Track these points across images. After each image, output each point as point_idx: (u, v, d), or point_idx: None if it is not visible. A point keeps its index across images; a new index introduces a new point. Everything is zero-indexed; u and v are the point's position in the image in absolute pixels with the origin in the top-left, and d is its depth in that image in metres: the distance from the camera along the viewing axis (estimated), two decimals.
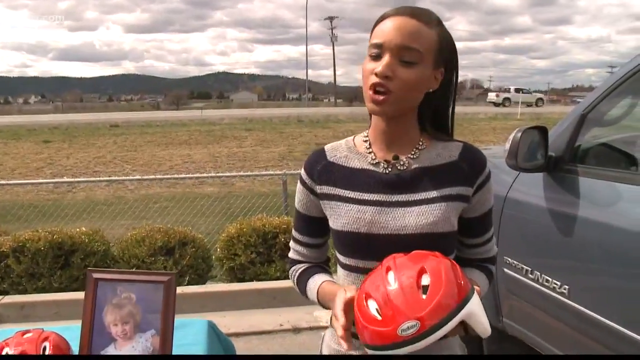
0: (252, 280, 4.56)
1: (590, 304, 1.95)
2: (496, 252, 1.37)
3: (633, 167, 2.21)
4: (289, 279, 1.42)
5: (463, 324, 1.00)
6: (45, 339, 1.45)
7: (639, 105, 2.33)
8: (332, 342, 1.33)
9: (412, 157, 1.23)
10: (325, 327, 1.30)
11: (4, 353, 1.39)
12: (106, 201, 9.21)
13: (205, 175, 10.82)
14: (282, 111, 44.60)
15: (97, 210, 7.40)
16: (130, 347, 1.48)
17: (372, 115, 1.25)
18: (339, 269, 1.30)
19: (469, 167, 1.22)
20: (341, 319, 1.07)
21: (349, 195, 1.23)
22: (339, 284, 1.26)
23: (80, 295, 4.09)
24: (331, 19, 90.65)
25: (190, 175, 11.40)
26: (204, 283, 4.74)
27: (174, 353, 1.51)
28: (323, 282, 1.28)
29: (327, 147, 1.32)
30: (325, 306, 1.26)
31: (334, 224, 1.24)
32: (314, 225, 1.33)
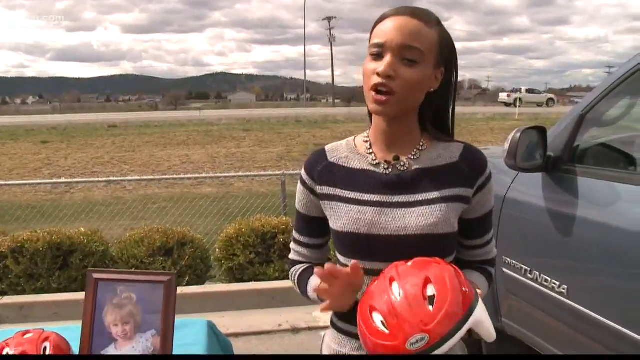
0: (251, 281, 4.56)
1: (589, 304, 1.96)
2: (496, 254, 1.37)
3: (631, 167, 2.22)
4: (288, 279, 1.43)
5: (469, 329, 1.00)
6: (46, 339, 1.45)
7: (637, 106, 2.34)
8: (332, 342, 1.33)
9: (412, 157, 1.23)
10: (325, 328, 1.31)
11: (4, 353, 1.39)
12: (104, 202, 9.20)
13: (203, 175, 10.83)
14: (280, 111, 44.58)
15: (95, 211, 7.39)
16: (130, 347, 1.48)
17: (373, 116, 1.25)
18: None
19: (470, 168, 1.22)
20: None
21: (349, 196, 1.23)
22: None
23: (79, 295, 4.10)
24: (329, 19, 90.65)
25: (188, 176, 11.39)
26: (202, 283, 4.74)
27: (174, 353, 1.51)
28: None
29: (327, 148, 1.32)
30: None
31: (334, 224, 1.24)
32: (315, 226, 1.33)
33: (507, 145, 2.18)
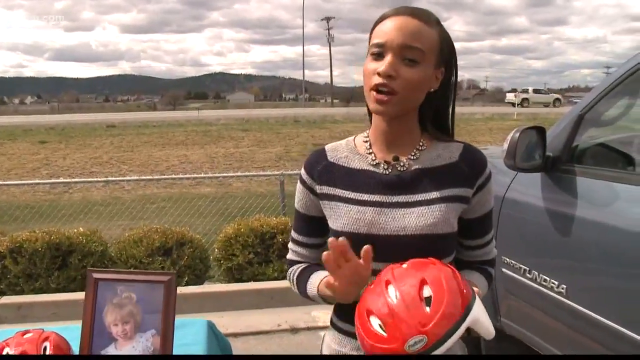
0: (250, 281, 4.56)
1: (587, 303, 1.96)
2: (496, 254, 1.37)
3: (630, 167, 2.22)
4: (286, 279, 1.41)
5: (467, 328, 1.00)
6: (46, 339, 1.45)
7: (636, 106, 2.34)
8: (332, 342, 1.33)
9: (412, 158, 1.23)
10: (324, 327, 1.31)
11: (4, 353, 1.39)
12: (103, 202, 9.20)
13: (202, 175, 10.82)
14: (278, 111, 44.60)
15: (94, 211, 7.39)
16: (130, 347, 1.48)
17: (373, 116, 1.25)
18: None
19: (469, 168, 1.22)
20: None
21: (349, 196, 1.23)
22: None
23: (77, 295, 4.10)
24: (328, 19, 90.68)
25: (187, 176, 11.40)
26: (201, 283, 4.75)
27: (174, 353, 1.51)
28: (326, 276, 1.28)
29: (327, 147, 1.32)
30: (326, 295, 1.23)
31: (334, 224, 1.24)
32: (314, 225, 1.33)
33: (506, 145, 2.19)
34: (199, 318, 1.97)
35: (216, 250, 4.80)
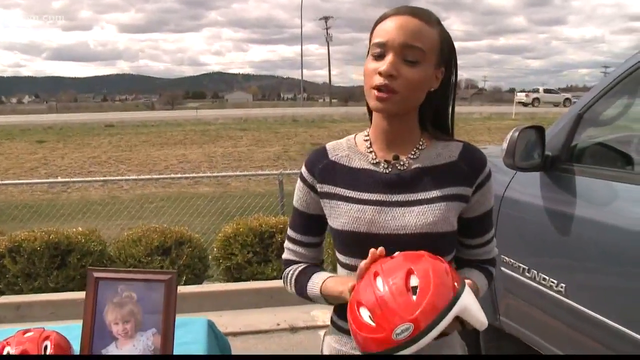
0: (249, 280, 4.57)
1: (586, 302, 1.97)
2: (496, 254, 1.37)
3: (629, 166, 2.23)
4: (282, 278, 1.40)
5: (459, 319, 1.00)
6: (47, 338, 1.45)
7: (634, 105, 2.35)
8: (332, 341, 1.33)
9: (412, 157, 1.23)
10: (323, 327, 1.31)
11: (5, 352, 1.39)
12: (101, 201, 9.19)
13: (201, 175, 10.81)
14: (277, 111, 44.58)
15: (92, 211, 7.38)
16: (131, 346, 1.49)
17: (374, 115, 1.26)
18: (339, 269, 1.30)
19: (469, 167, 1.23)
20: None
21: (350, 195, 1.23)
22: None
23: (76, 295, 4.10)
24: (326, 18, 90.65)
25: (186, 175, 11.39)
26: (200, 283, 4.75)
27: (174, 352, 1.52)
28: (330, 276, 1.28)
29: (328, 146, 1.32)
30: (329, 294, 1.23)
31: (334, 223, 1.24)
32: (312, 223, 1.33)
33: (505, 145, 2.19)
34: (200, 317, 1.98)
35: (215, 249, 4.80)
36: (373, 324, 1.00)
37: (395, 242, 1.16)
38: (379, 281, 1.02)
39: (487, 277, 1.31)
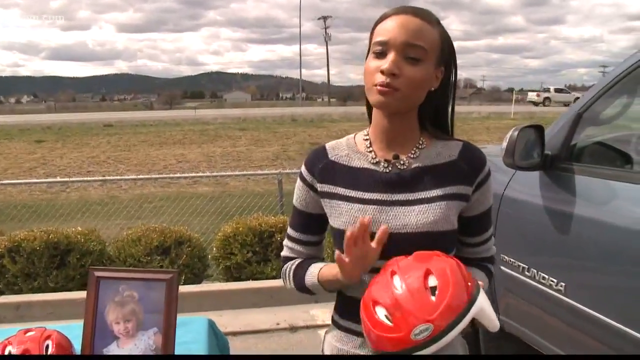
0: (249, 280, 4.56)
1: (586, 301, 1.97)
2: (495, 252, 1.38)
3: (628, 165, 2.23)
4: (281, 275, 1.40)
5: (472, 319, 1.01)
6: (48, 337, 1.45)
7: (633, 105, 2.35)
8: (333, 340, 1.33)
9: (412, 156, 1.24)
10: (323, 326, 1.31)
11: (6, 351, 1.39)
12: (100, 201, 9.18)
13: (200, 174, 10.80)
14: (275, 111, 44.59)
15: (91, 211, 7.38)
16: (132, 345, 1.49)
17: (374, 114, 1.26)
18: None
19: (469, 166, 1.23)
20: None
21: (350, 194, 1.24)
22: None
23: (76, 295, 4.10)
24: (325, 18, 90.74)
25: (185, 175, 11.38)
26: (200, 282, 4.74)
27: (175, 351, 1.52)
28: (327, 264, 1.28)
29: (327, 146, 1.33)
30: (325, 279, 1.24)
31: (335, 222, 1.25)
32: (312, 222, 1.33)
33: (505, 144, 2.20)
34: (200, 316, 1.98)
35: (214, 249, 4.80)
36: (390, 323, 1.00)
37: (396, 241, 1.16)
38: (397, 280, 1.03)
39: (487, 275, 1.32)
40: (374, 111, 1.25)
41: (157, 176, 11.48)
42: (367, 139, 1.29)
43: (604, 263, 1.93)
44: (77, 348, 1.52)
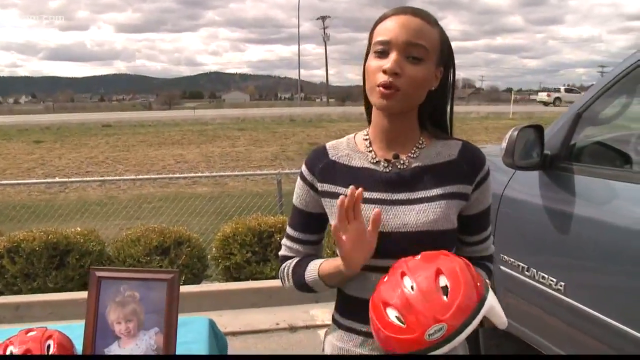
0: (248, 280, 4.56)
1: (586, 300, 1.98)
2: (494, 250, 1.39)
3: (627, 165, 2.24)
4: (279, 275, 1.40)
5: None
6: (49, 337, 1.45)
7: (632, 105, 2.36)
8: (334, 339, 1.33)
9: (412, 155, 1.24)
10: (322, 326, 1.31)
11: (8, 351, 1.40)
12: (99, 201, 9.18)
13: (199, 175, 10.80)
14: (274, 111, 44.59)
15: (90, 211, 7.37)
16: (134, 345, 1.49)
17: (373, 114, 1.27)
18: None
19: (468, 165, 1.24)
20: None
21: None
22: None
23: (75, 295, 4.10)
24: (323, 18, 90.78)
25: (184, 175, 11.37)
26: (199, 282, 4.74)
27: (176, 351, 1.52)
28: (325, 260, 1.28)
29: (328, 145, 1.33)
30: (327, 273, 1.24)
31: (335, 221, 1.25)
32: (312, 221, 1.34)
33: (504, 144, 2.20)
34: (200, 316, 1.98)
35: (214, 249, 4.80)
36: (402, 324, 1.00)
37: (396, 240, 1.17)
38: (407, 281, 1.03)
39: (487, 274, 1.33)
40: (374, 111, 1.26)
41: (156, 176, 11.48)
42: (367, 139, 1.29)
43: (603, 262, 1.93)
44: (79, 348, 1.52)
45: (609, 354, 1.91)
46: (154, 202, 8.14)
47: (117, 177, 11.32)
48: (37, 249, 4.41)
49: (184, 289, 4.25)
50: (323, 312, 3.97)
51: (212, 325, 1.96)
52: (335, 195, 1.25)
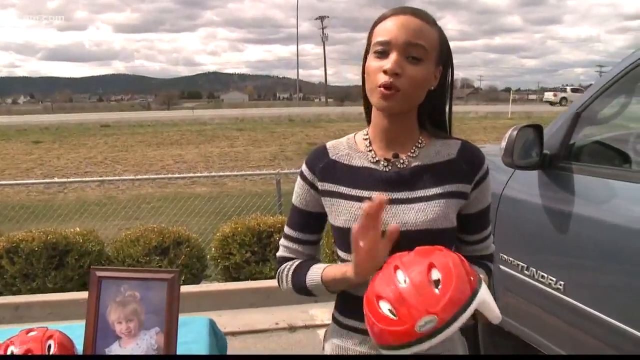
0: (247, 280, 4.57)
1: (585, 300, 1.98)
2: (494, 250, 1.39)
3: (626, 165, 2.25)
4: (277, 276, 1.39)
5: (474, 311, 1.02)
6: (50, 337, 1.45)
7: (631, 104, 2.36)
8: (334, 337, 1.34)
9: (411, 155, 1.25)
10: (322, 326, 1.31)
11: (9, 351, 1.40)
12: (98, 202, 9.17)
13: (198, 175, 10.79)
14: (273, 111, 44.60)
15: (89, 211, 7.37)
16: (134, 344, 1.49)
17: (373, 114, 1.27)
18: None
19: (467, 165, 1.25)
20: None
21: (351, 193, 1.25)
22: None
23: (75, 295, 4.10)
24: (322, 18, 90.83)
25: (183, 175, 11.37)
26: (198, 282, 4.75)
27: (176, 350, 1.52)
28: (329, 265, 1.28)
29: (328, 145, 1.34)
30: (331, 278, 1.24)
31: (335, 220, 1.26)
32: (311, 221, 1.34)
33: (504, 143, 2.20)
34: (201, 316, 1.98)
35: (213, 249, 4.80)
36: (394, 317, 1.01)
37: (396, 239, 1.17)
38: (400, 274, 1.04)
39: (487, 273, 1.34)
40: (374, 111, 1.26)
41: (155, 176, 11.47)
42: (366, 138, 1.30)
43: (602, 262, 1.94)
44: (79, 348, 1.52)
45: (609, 354, 1.91)
46: (153, 202, 8.13)
47: (116, 178, 11.31)
48: (36, 249, 4.41)
49: (183, 288, 4.21)
50: (322, 312, 3.97)
51: (213, 325, 1.96)
52: (335, 194, 1.26)
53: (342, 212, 1.24)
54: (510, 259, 2.38)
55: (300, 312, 4.06)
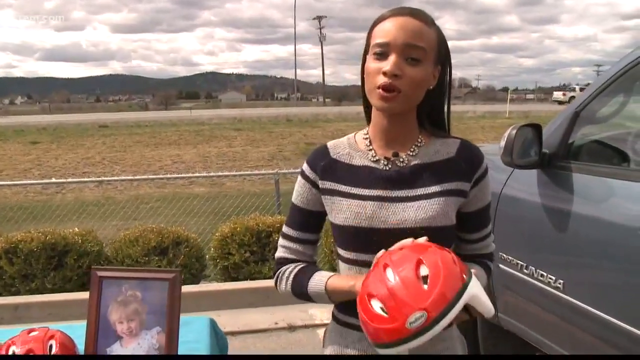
0: (246, 279, 4.57)
1: (585, 298, 1.99)
2: (494, 248, 1.39)
3: (625, 164, 2.25)
4: (276, 277, 1.39)
5: (466, 307, 1.02)
6: (52, 337, 1.45)
7: (630, 103, 2.37)
8: (333, 335, 1.34)
9: (411, 154, 1.26)
10: (321, 325, 1.31)
11: (10, 351, 1.40)
12: (97, 202, 9.15)
13: (196, 175, 10.79)
14: (271, 111, 44.61)
15: (87, 212, 7.36)
16: (136, 344, 1.49)
17: (373, 114, 1.28)
18: (341, 263, 1.32)
19: (467, 163, 1.26)
20: None
21: (351, 192, 1.26)
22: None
23: (74, 295, 4.10)
24: (319, 18, 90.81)
25: (182, 175, 11.36)
26: (198, 282, 4.75)
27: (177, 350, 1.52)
28: (333, 274, 1.28)
29: (329, 145, 1.35)
30: (335, 289, 1.24)
31: (336, 218, 1.26)
32: (311, 220, 1.35)
33: (503, 143, 2.21)
34: (201, 316, 1.99)
35: (212, 249, 4.80)
36: (385, 314, 1.01)
37: (395, 236, 1.18)
38: (389, 272, 1.04)
39: (486, 271, 1.34)
40: (374, 111, 1.27)
41: (153, 177, 11.45)
42: (366, 138, 1.31)
43: (601, 260, 1.94)
44: (81, 348, 1.53)
45: (609, 354, 1.92)
46: (151, 202, 8.12)
47: (114, 178, 11.30)
48: (35, 249, 4.40)
49: (182, 288, 4.24)
50: (322, 312, 3.97)
51: (213, 324, 1.96)
52: (336, 193, 1.27)
53: (342, 210, 1.25)
54: (510, 257, 2.39)
55: (299, 311, 4.07)
